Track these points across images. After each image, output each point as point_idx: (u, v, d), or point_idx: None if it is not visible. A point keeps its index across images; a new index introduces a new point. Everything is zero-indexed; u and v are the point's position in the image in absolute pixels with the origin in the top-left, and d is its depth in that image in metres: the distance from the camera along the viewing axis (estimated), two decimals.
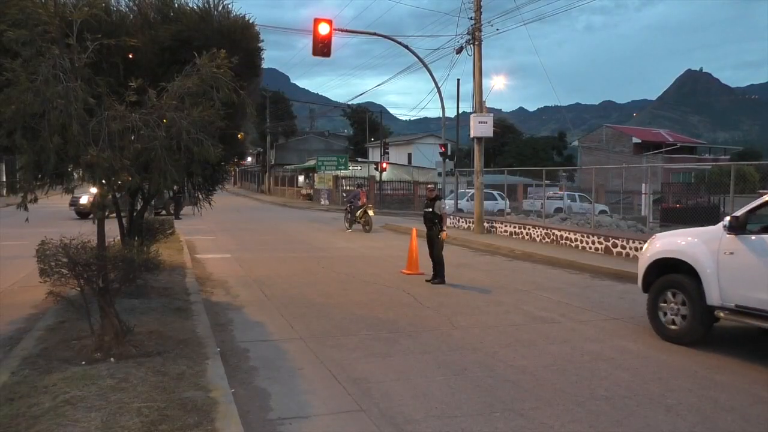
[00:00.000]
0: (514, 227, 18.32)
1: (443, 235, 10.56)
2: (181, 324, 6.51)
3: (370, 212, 20.40)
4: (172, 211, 23.80)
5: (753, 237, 6.24)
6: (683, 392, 5.12)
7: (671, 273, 7.03)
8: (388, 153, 41.09)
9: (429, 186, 12.14)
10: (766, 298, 5.93)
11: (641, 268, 7.55)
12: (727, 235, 6.41)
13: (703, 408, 4.77)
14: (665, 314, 6.97)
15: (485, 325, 7.42)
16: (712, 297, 6.43)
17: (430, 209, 10.76)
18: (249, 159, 62.98)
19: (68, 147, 4.91)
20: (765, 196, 6.51)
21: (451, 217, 20.81)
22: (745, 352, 6.43)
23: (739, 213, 6.49)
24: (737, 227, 6.35)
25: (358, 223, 20.45)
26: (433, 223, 10.69)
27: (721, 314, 6.41)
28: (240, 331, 6.94)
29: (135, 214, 8.64)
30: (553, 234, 16.53)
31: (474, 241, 17.48)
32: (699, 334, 6.62)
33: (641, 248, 12.51)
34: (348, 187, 37.17)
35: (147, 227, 9.24)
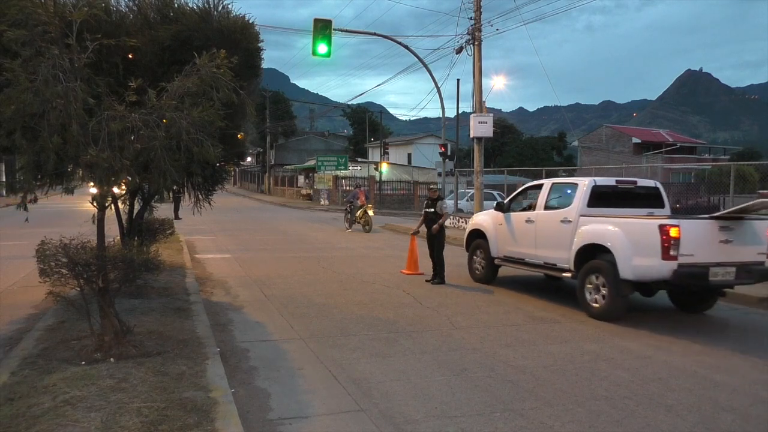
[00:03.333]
0: None
1: (434, 228, 10.57)
2: (181, 324, 6.51)
3: (370, 212, 20.49)
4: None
5: (510, 214, 10.06)
6: (683, 392, 5.12)
7: (479, 238, 10.80)
8: (387, 153, 41.15)
9: (431, 187, 12.16)
10: (514, 250, 9.87)
11: (465, 236, 11.45)
12: (498, 213, 10.28)
13: (703, 408, 4.77)
14: (473, 263, 10.97)
15: (485, 325, 7.42)
16: (493, 252, 10.36)
17: (432, 209, 10.77)
18: (249, 159, 62.96)
19: (68, 147, 4.91)
20: (519, 188, 10.56)
21: (452, 217, 20.81)
22: (744, 351, 6.43)
23: (504, 201, 10.62)
24: (503, 209, 10.24)
25: (358, 223, 20.50)
26: (434, 222, 10.70)
27: (497, 262, 10.32)
28: (240, 331, 6.94)
29: (135, 214, 8.64)
30: None
31: None
32: (491, 273, 10.57)
33: None
34: (347, 188, 37.34)
35: (147, 227, 9.23)
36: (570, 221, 8.61)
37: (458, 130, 36.33)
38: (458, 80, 35.79)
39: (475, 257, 10.88)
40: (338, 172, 39.42)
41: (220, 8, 6.97)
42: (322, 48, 17.60)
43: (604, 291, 7.82)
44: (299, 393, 4.95)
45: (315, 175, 41.98)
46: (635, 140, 49.40)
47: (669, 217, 7.90)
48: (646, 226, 7.38)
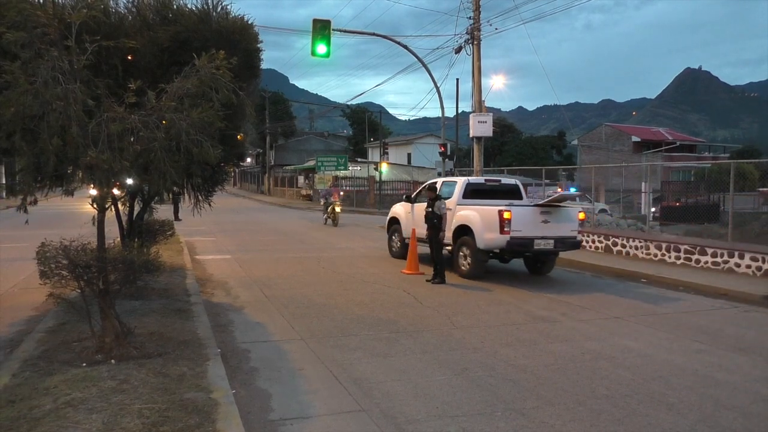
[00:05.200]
0: None
1: (440, 237, 10.57)
2: (182, 325, 6.51)
3: (338, 209, 22.48)
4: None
5: (414, 204, 12.70)
6: (684, 390, 5.12)
7: (395, 224, 13.73)
8: (387, 153, 41.12)
9: (430, 186, 12.16)
10: (418, 232, 11.77)
11: (386, 221, 14.30)
12: (408, 204, 13.07)
13: (704, 406, 4.77)
14: (392, 242, 13.95)
15: (486, 325, 7.42)
16: (404, 234, 13.06)
17: (431, 209, 10.76)
18: (249, 160, 62.92)
19: (68, 149, 4.91)
20: (424, 185, 12.76)
21: None
22: (745, 349, 6.44)
23: (411, 194, 13.46)
24: (409, 201, 13.09)
25: (329, 218, 22.45)
26: (433, 223, 10.69)
27: (407, 241, 12.38)
28: (240, 331, 6.94)
29: (135, 215, 8.64)
30: None
31: None
32: (404, 250, 12.52)
33: (642, 247, 12.91)
34: (346, 188, 37.80)
35: (147, 229, 9.24)
36: (450, 209, 11.34)
37: (458, 129, 36.33)
38: (457, 80, 35.80)
39: (393, 238, 13.95)
40: (338, 173, 39.42)
41: (219, 9, 6.96)
42: (321, 48, 17.60)
43: (469, 259, 10.81)
44: (300, 393, 4.95)
45: (315, 175, 41.96)
46: (635, 139, 49.33)
47: (506, 206, 10.54)
48: (491, 212, 10.37)
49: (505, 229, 10.05)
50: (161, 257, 6.74)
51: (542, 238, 10.30)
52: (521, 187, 12.49)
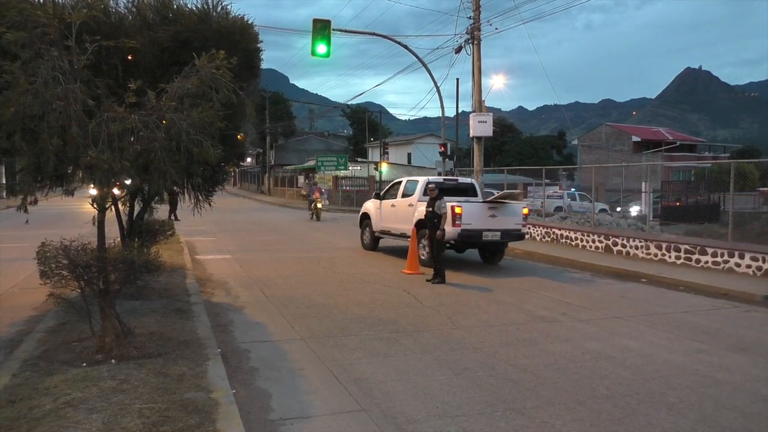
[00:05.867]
0: None
1: (438, 234, 10.56)
2: (182, 325, 6.51)
3: (319, 205, 25.79)
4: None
5: (382, 201, 14.26)
6: (684, 390, 5.12)
7: (366, 219, 15.11)
8: (387, 153, 41.07)
9: (430, 186, 12.16)
10: (386, 225, 13.96)
11: (359, 217, 15.77)
12: (378, 201, 14.51)
13: (704, 406, 4.77)
14: (363, 235, 15.38)
15: (486, 325, 7.42)
16: (375, 227, 14.56)
17: (431, 208, 10.76)
18: (249, 160, 62.94)
19: (68, 149, 4.91)
20: (391, 183, 14.80)
21: None
22: (745, 349, 6.44)
23: (380, 192, 15.15)
24: (379, 197, 14.63)
25: (313, 213, 25.60)
26: (433, 222, 10.69)
27: (377, 234, 14.49)
28: (241, 331, 6.94)
29: (135, 215, 8.64)
30: (553, 233, 16.53)
31: None
32: (374, 242, 14.80)
33: (642, 247, 12.94)
34: (347, 188, 38.15)
35: (147, 228, 9.23)
36: (412, 205, 12.83)
37: (458, 129, 36.33)
38: (457, 80, 35.82)
39: (364, 232, 15.37)
40: (338, 173, 39.43)
41: (219, 9, 6.96)
42: (321, 48, 17.59)
43: (427, 249, 11.83)
44: (300, 393, 4.95)
45: (315, 175, 41.98)
46: (635, 139, 49.34)
47: (457, 202, 11.75)
48: (445, 206, 11.23)
49: (457, 222, 11.35)
50: (161, 257, 6.74)
51: (490, 230, 11.80)
52: (477, 185, 14.12)
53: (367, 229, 15.04)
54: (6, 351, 5.65)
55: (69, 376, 4.64)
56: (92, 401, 4.15)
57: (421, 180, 13.18)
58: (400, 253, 12.57)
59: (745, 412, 4.66)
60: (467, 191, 13.51)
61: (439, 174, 24.90)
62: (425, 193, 12.09)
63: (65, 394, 4.26)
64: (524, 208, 12.52)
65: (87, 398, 4.19)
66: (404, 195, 13.52)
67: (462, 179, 14.79)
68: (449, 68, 22.13)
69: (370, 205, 15.04)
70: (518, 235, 12.27)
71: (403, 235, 13.10)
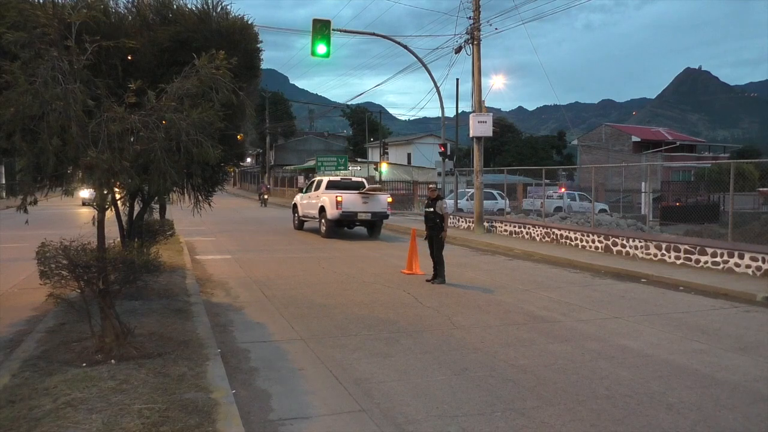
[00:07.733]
0: (514, 226, 18.32)
1: (443, 234, 10.57)
2: (182, 325, 6.51)
3: (266, 196, 38.19)
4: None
5: (303, 194, 20.64)
6: (684, 390, 5.12)
7: (295, 208, 21.01)
8: (387, 153, 41.11)
9: (431, 186, 12.20)
10: (305, 212, 19.95)
11: (291, 206, 21.98)
12: (302, 194, 20.68)
13: (704, 406, 4.77)
14: (294, 220, 21.19)
15: (486, 325, 7.42)
16: (300, 214, 20.44)
17: (432, 209, 10.76)
18: (249, 160, 62.93)
19: (67, 149, 4.91)
20: (311, 180, 21.12)
21: (451, 216, 20.82)
22: (745, 349, 6.44)
23: (302, 189, 22.08)
24: (301, 192, 21.40)
25: (262, 202, 37.55)
26: (434, 222, 10.69)
27: (302, 218, 20.36)
28: (240, 332, 6.94)
29: (135, 215, 8.64)
30: (553, 233, 16.53)
31: (474, 240, 17.49)
32: (300, 225, 20.58)
33: (641, 247, 12.94)
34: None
35: (147, 229, 9.24)
36: (319, 196, 18.31)
37: (458, 129, 36.30)
38: (457, 80, 35.69)
39: (294, 216, 21.13)
40: (338, 173, 39.42)
41: (218, 9, 6.97)
42: (321, 48, 17.61)
43: (324, 225, 17.79)
44: (300, 393, 4.95)
45: (315, 175, 42.00)
46: (635, 139, 49.30)
47: (339, 194, 17.42)
48: (333, 196, 17.41)
49: (339, 207, 17.24)
50: (161, 257, 6.74)
51: (363, 212, 17.71)
52: (365, 182, 19.56)
53: (296, 215, 20.88)
54: (6, 351, 5.64)
55: (69, 376, 4.64)
56: (92, 401, 4.15)
57: (325, 179, 19.14)
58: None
59: (745, 412, 4.66)
60: (357, 187, 18.60)
61: (439, 174, 24.92)
62: (327, 188, 18.29)
63: (65, 394, 4.26)
64: (388, 197, 18.74)
65: (87, 398, 4.19)
66: (315, 190, 19.03)
67: (355, 178, 21.24)
68: (449, 68, 22.14)
69: (297, 198, 21.07)
70: (384, 215, 18.17)
71: (314, 218, 18.98)
